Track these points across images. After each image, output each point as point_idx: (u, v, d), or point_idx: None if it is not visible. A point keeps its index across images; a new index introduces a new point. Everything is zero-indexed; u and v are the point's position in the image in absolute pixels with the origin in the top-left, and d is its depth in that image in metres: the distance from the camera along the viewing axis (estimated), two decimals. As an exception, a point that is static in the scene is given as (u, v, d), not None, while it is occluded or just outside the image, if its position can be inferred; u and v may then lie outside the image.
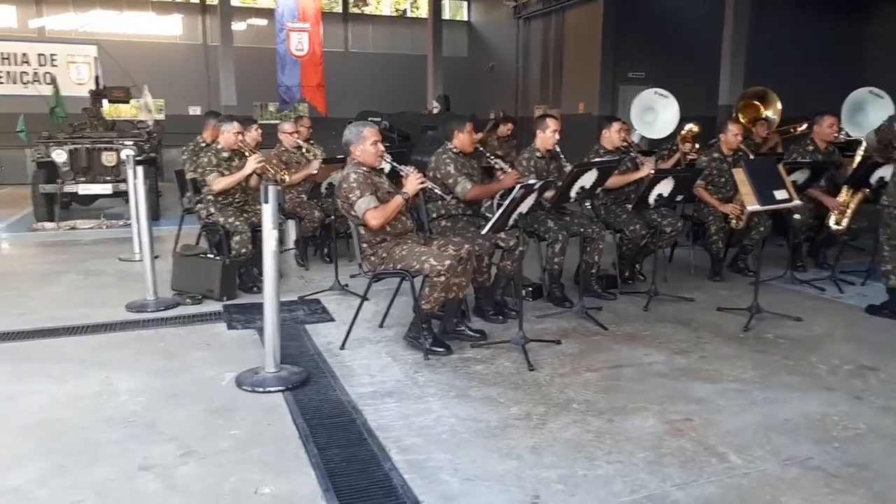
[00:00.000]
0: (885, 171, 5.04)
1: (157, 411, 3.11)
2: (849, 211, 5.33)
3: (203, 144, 5.99)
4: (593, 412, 3.10)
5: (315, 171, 5.72)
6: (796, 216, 5.36)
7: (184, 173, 6.21)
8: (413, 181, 3.84)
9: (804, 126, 6.49)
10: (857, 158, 5.36)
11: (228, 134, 5.13)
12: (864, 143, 4.22)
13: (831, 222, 5.40)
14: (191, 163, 5.84)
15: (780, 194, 4.24)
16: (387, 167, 4.13)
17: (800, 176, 5.06)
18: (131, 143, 8.51)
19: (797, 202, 4.43)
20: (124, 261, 6.23)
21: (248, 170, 5.05)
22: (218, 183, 5.04)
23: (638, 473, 2.57)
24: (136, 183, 5.03)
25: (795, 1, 15.03)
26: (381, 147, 3.93)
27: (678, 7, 14.78)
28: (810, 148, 5.68)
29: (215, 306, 4.75)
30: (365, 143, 3.84)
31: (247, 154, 5.13)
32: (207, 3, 19.19)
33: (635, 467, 2.61)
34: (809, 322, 4.41)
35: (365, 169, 3.86)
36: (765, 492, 2.45)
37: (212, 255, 5.09)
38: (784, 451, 2.74)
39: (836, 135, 5.62)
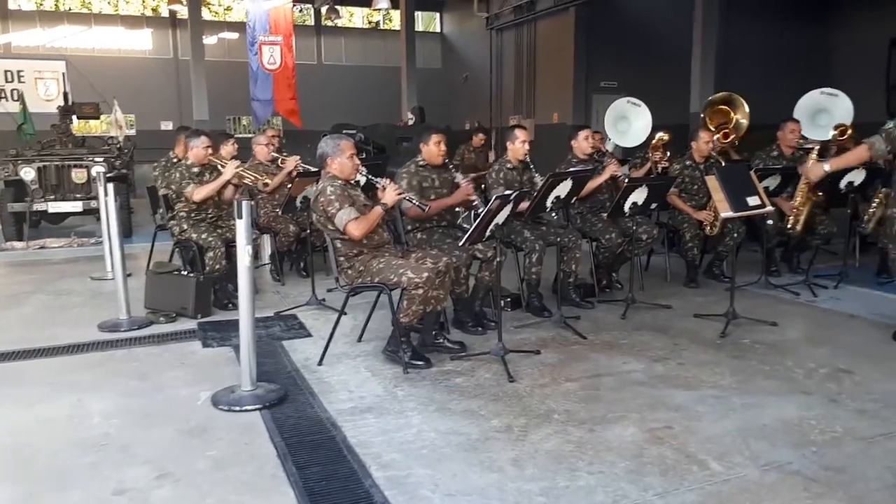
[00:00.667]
0: (855, 176, 5.13)
1: (131, 433, 3.04)
2: (801, 217, 5.40)
3: (175, 160, 5.93)
4: (574, 422, 3.09)
5: (293, 168, 5.70)
6: (769, 222, 5.43)
7: (156, 189, 6.14)
8: (391, 192, 3.83)
9: (737, 157, 6.61)
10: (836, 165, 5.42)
11: (197, 149, 5.08)
12: (876, 151, 4.10)
13: (788, 226, 5.48)
14: (163, 179, 5.78)
15: (752, 200, 4.29)
16: (362, 180, 4.11)
17: (771, 182, 5.12)
18: (102, 159, 8.40)
19: (770, 208, 4.49)
20: (96, 279, 6.11)
21: (226, 175, 5.01)
22: (198, 193, 4.99)
23: (619, 483, 2.56)
24: (107, 200, 4.96)
25: (763, 9, 15.31)
26: (357, 160, 3.92)
27: (649, 16, 14.99)
28: (775, 154, 5.77)
29: (190, 324, 4.68)
30: (342, 155, 3.82)
31: (220, 167, 5.09)
32: (178, 17, 19.06)
33: (616, 477, 2.61)
34: (785, 326, 4.46)
35: (341, 182, 3.84)
36: (745, 498, 2.46)
37: (185, 272, 5.02)
38: (763, 456, 2.76)
39: (798, 140, 5.71)
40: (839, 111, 6.73)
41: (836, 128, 6.24)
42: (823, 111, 6.76)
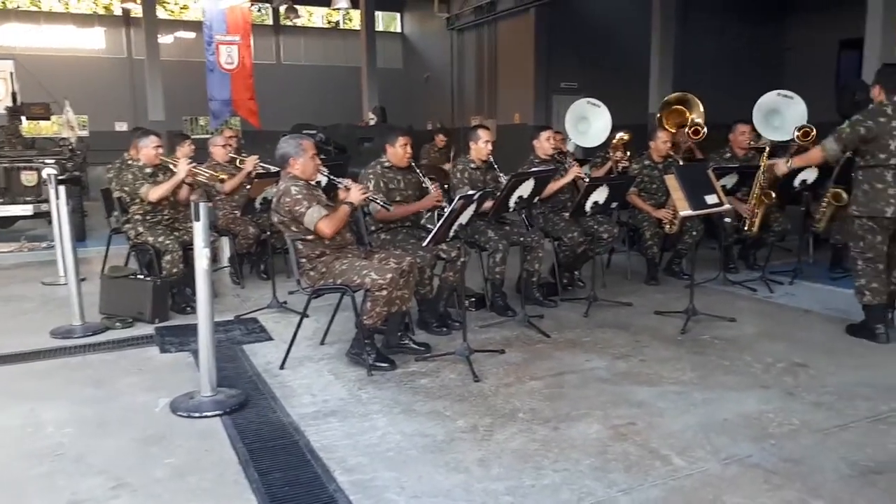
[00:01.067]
0: (808, 175, 5.26)
1: (86, 442, 2.95)
2: (756, 216, 5.52)
3: (130, 161, 5.78)
4: (539, 421, 3.10)
5: (251, 168, 5.62)
6: (727, 220, 5.54)
7: (111, 192, 5.98)
8: (356, 192, 3.80)
9: (700, 156, 6.73)
10: (762, 165, 5.55)
11: (147, 149, 4.98)
12: (829, 152, 4.16)
13: (746, 228, 5.60)
14: (117, 181, 5.63)
15: (710, 199, 4.36)
16: (323, 180, 4.07)
17: (728, 181, 5.22)
18: (53, 161, 8.16)
19: (727, 206, 4.57)
20: (48, 285, 5.93)
21: (180, 174, 4.91)
22: (153, 192, 4.89)
23: (584, 480, 2.58)
24: (59, 203, 4.80)
25: (719, 11, 15.61)
26: (319, 160, 3.88)
27: (608, 18, 15.15)
28: (727, 156, 5.89)
29: (147, 329, 4.57)
30: (304, 155, 3.77)
31: (172, 167, 4.98)
32: (132, 15, 18.62)
33: (581, 474, 2.62)
34: (743, 322, 4.55)
35: (303, 182, 3.79)
36: (707, 492, 2.49)
37: (142, 276, 4.90)
38: (724, 450, 2.80)
39: (749, 141, 5.84)
40: (792, 114, 6.90)
41: (798, 129, 6.41)
42: (776, 112, 6.93)
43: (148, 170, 4.99)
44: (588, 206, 4.71)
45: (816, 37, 15.28)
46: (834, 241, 5.97)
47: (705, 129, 6.83)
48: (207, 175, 5.24)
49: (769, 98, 6.97)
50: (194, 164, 5.03)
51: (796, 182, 5.29)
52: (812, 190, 5.55)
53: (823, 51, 14.89)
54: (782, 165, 4.64)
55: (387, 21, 22.15)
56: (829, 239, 6.10)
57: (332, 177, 4.00)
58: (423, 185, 4.48)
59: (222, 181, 5.51)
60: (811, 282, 5.56)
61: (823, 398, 3.30)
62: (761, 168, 5.46)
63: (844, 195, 5.67)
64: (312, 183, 3.89)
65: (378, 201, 4.04)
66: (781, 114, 6.86)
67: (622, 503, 2.43)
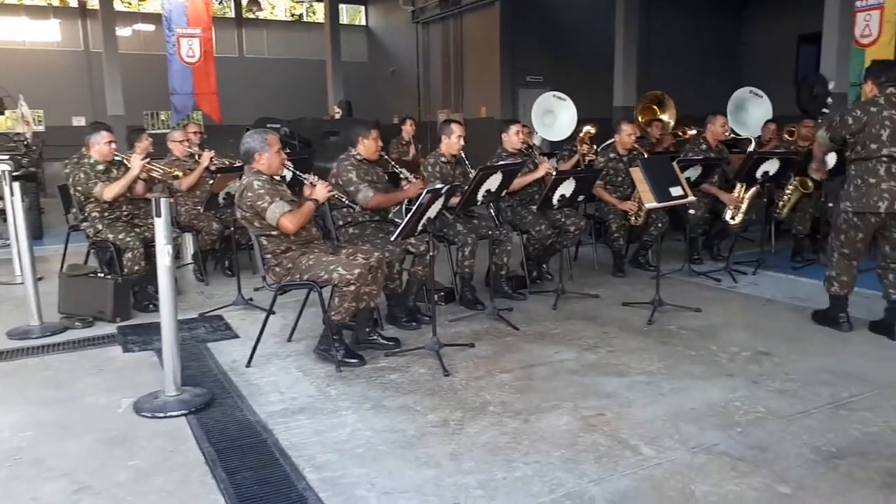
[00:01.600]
0: (770, 166, 5.35)
1: (46, 446, 2.87)
2: (743, 206, 5.63)
3: (84, 158, 5.63)
4: (509, 413, 3.10)
5: (207, 163, 5.53)
6: (691, 211, 5.61)
7: (68, 188, 5.81)
8: (322, 188, 3.76)
9: (693, 131, 6.84)
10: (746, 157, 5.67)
11: (100, 145, 4.85)
12: (818, 141, 4.18)
13: (727, 217, 5.69)
14: (72, 178, 5.48)
15: (675, 191, 4.41)
16: (288, 175, 4.01)
17: (693, 173, 5.28)
18: (7, 157, 7.92)
19: (692, 198, 4.62)
20: (3, 284, 5.76)
21: (134, 171, 4.79)
22: (107, 191, 4.76)
23: (555, 472, 2.58)
24: (14, 200, 4.66)
25: (682, 6, 15.81)
26: (284, 154, 3.82)
27: (573, 11, 15.24)
28: (703, 147, 5.97)
29: (108, 328, 4.46)
30: (270, 150, 3.71)
31: (126, 162, 4.87)
32: (88, 7, 18.16)
33: (552, 466, 2.63)
34: (708, 312, 4.61)
35: (266, 177, 3.73)
36: (676, 480, 2.51)
37: (102, 274, 4.78)
38: (692, 439, 2.83)
39: (726, 133, 5.95)
40: (757, 111, 7.06)
41: (766, 125, 6.59)
42: (744, 109, 7.08)
43: (100, 167, 4.86)
44: (555, 199, 4.73)
45: (775, 31, 15.59)
46: (795, 232, 6.10)
47: (689, 133, 6.97)
48: (162, 171, 5.12)
49: (742, 94, 7.13)
50: (148, 160, 4.91)
51: (758, 174, 5.38)
52: (774, 181, 5.65)
53: (782, 45, 15.20)
54: (818, 167, 4.48)
55: (351, 14, 21.97)
56: (790, 229, 6.23)
57: (297, 172, 3.95)
58: (402, 176, 4.48)
59: (177, 178, 5.38)
60: (773, 271, 5.66)
61: (787, 385, 3.37)
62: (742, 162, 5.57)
63: (810, 182, 5.81)
64: (276, 178, 3.83)
65: (344, 200, 4.00)
66: (748, 110, 7.03)
67: (593, 494, 2.43)
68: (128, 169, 4.85)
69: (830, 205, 5.01)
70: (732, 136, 6.08)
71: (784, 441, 2.80)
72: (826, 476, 2.52)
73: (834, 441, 2.78)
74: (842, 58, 8.08)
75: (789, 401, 3.19)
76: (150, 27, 19.25)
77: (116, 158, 4.91)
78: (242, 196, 3.68)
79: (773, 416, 3.03)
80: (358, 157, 4.43)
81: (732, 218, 5.67)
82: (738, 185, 5.62)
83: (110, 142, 4.88)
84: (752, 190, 5.57)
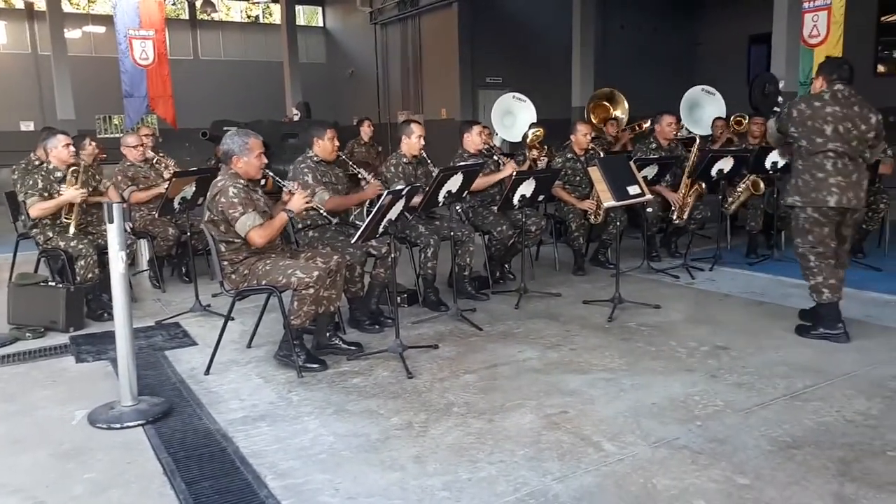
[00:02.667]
0: (723, 164, 5.46)
1: (-5, 462, 2.77)
2: (687, 205, 5.73)
3: (37, 163, 5.46)
4: (473, 414, 3.10)
5: (164, 190, 5.43)
6: (649, 209, 5.70)
7: (16, 195, 5.64)
8: (299, 199, 3.70)
9: (648, 123, 6.96)
10: (692, 155, 5.77)
11: (58, 150, 4.70)
12: (768, 132, 4.19)
13: (674, 216, 5.79)
14: (21, 183, 5.31)
15: (632, 190, 4.47)
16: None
17: (649, 171, 5.37)
18: (-49, 163, 7.63)
19: (649, 196, 4.69)
20: (-51, 295, 5.55)
21: (65, 198, 4.62)
22: (34, 209, 4.60)
23: (519, 471, 2.59)
24: (-42, 207, 4.50)
25: (638, 8, 16.08)
26: (265, 159, 3.74)
27: (531, 13, 15.36)
28: (653, 146, 6.06)
29: (61, 338, 4.34)
30: (250, 154, 3.64)
31: (79, 166, 4.73)
32: (35, 9, 17.66)
33: (517, 465, 2.63)
34: (667, 308, 4.68)
35: (243, 182, 3.65)
36: (638, 475, 2.54)
37: (54, 283, 4.64)
38: (653, 433, 2.87)
39: (675, 132, 6.04)
40: (711, 109, 7.22)
41: (714, 122, 6.71)
42: (699, 106, 7.23)
43: (59, 173, 4.71)
44: (516, 199, 4.76)
45: (727, 32, 15.95)
46: (749, 228, 6.24)
47: (641, 127, 7.07)
48: (90, 152, 5.02)
49: (694, 92, 7.28)
50: (86, 194, 4.73)
51: (713, 172, 5.48)
52: (728, 179, 5.77)
53: (734, 45, 15.55)
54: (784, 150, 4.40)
55: (308, 15, 21.79)
56: (745, 226, 6.37)
57: (277, 179, 3.89)
58: (359, 176, 4.44)
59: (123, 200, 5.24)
60: (730, 267, 5.78)
61: (744, 379, 3.43)
62: (690, 160, 5.65)
63: (762, 185, 5.95)
64: (254, 183, 3.77)
65: (322, 211, 3.95)
66: (703, 108, 7.18)
67: (556, 491, 2.45)
68: (88, 175, 4.70)
69: (782, 201, 5.11)
70: (688, 133, 6.19)
71: (742, 433, 2.85)
72: (783, 466, 2.58)
73: (790, 432, 2.84)
74: (791, 57, 8.31)
75: (746, 393, 3.26)
76: (101, 29, 18.82)
77: (76, 164, 4.75)
78: (215, 199, 3.59)
79: (732, 409, 3.08)
80: (315, 158, 4.39)
81: (678, 217, 5.77)
82: (684, 185, 5.73)
83: (68, 144, 4.74)
84: (695, 189, 5.68)
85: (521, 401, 3.23)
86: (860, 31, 11.86)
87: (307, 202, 3.74)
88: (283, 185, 3.83)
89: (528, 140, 6.33)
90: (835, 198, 3.86)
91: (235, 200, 3.55)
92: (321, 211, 3.96)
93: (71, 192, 4.62)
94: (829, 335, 3.90)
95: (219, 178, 3.69)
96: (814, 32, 8.36)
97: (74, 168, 4.70)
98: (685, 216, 5.76)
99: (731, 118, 7.01)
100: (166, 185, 5.34)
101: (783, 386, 3.32)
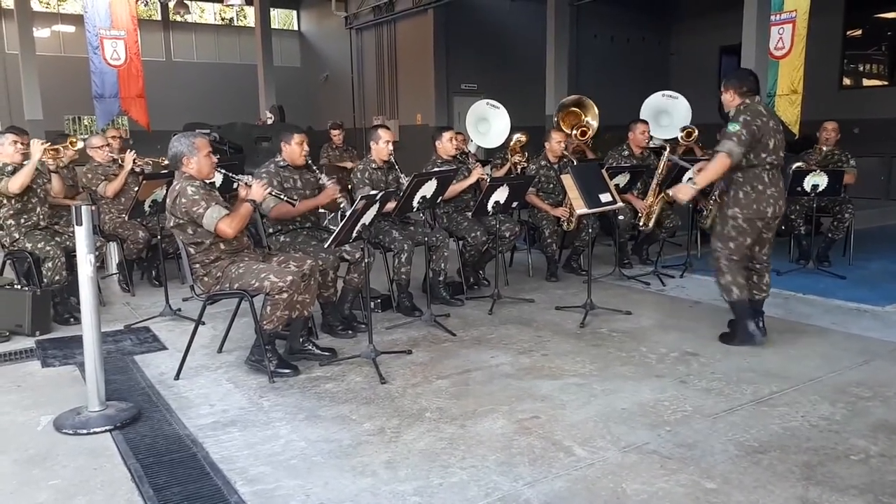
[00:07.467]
0: (692, 174, 5.52)
1: (-44, 469, 2.71)
2: (653, 213, 5.78)
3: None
4: (446, 419, 3.10)
5: (132, 164, 5.40)
6: (620, 217, 5.76)
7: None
8: (258, 188, 3.68)
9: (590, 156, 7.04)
10: (661, 163, 5.82)
11: (3, 147, 4.63)
12: (731, 160, 3.84)
13: (641, 223, 5.85)
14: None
15: (604, 197, 4.52)
16: (219, 179, 3.92)
17: (621, 179, 5.43)
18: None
19: (621, 204, 4.74)
20: None
21: (36, 154, 4.60)
22: (13, 182, 4.53)
23: (491, 476, 2.60)
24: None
25: (613, 17, 16.25)
26: (214, 158, 3.72)
27: (507, 20, 15.45)
28: (626, 153, 6.13)
29: (26, 342, 4.25)
30: (199, 154, 3.60)
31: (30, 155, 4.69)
32: (3, 6, 17.32)
33: (488, 470, 2.64)
34: (638, 315, 4.73)
35: (199, 182, 3.63)
36: (608, 480, 2.57)
37: (19, 286, 4.55)
38: (623, 438, 2.90)
39: (647, 140, 6.12)
40: (678, 112, 7.30)
41: (682, 129, 6.74)
42: (665, 112, 7.31)
43: (9, 168, 4.63)
44: (490, 205, 4.78)
45: (699, 43, 16.20)
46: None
47: (592, 130, 7.10)
48: (59, 151, 5.02)
49: (655, 99, 7.35)
50: (48, 143, 4.73)
51: (684, 180, 5.54)
52: (701, 190, 5.83)
53: (706, 56, 15.81)
54: (688, 190, 4.18)
55: (283, 18, 21.68)
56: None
57: (229, 174, 3.85)
58: (320, 181, 4.40)
59: (73, 143, 5.41)
60: (700, 275, 5.85)
61: (713, 384, 3.49)
62: (659, 168, 5.70)
63: None
64: (208, 182, 3.74)
65: (282, 197, 3.93)
66: (670, 113, 7.26)
67: (527, 496, 2.46)
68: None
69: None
70: (660, 142, 6.27)
71: (710, 438, 2.89)
72: (749, 470, 2.62)
73: (756, 436, 2.89)
74: (759, 68, 8.45)
75: (715, 399, 3.31)
76: (71, 28, 18.52)
77: (25, 161, 4.67)
78: (176, 203, 3.56)
79: (700, 415, 3.13)
80: (282, 163, 4.36)
81: (644, 224, 5.82)
82: (652, 192, 5.79)
83: (16, 142, 4.65)
84: (661, 196, 5.76)
85: (494, 406, 3.24)
86: (827, 44, 12.14)
87: (266, 189, 3.73)
88: (238, 179, 3.80)
89: (511, 144, 6.37)
90: (772, 209, 3.97)
91: (196, 198, 3.52)
92: (282, 197, 3.94)
93: (37, 147, 4.60)
94: (747, 338, 4.01)
95: (174, 182, 3.66)
96: (779, 45, 8.53)
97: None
98: (651, 223, 5.83)
99: (683, 130, 6.96)
100: (129, 164, 5.38)
101: (750, 392, 3.38)
